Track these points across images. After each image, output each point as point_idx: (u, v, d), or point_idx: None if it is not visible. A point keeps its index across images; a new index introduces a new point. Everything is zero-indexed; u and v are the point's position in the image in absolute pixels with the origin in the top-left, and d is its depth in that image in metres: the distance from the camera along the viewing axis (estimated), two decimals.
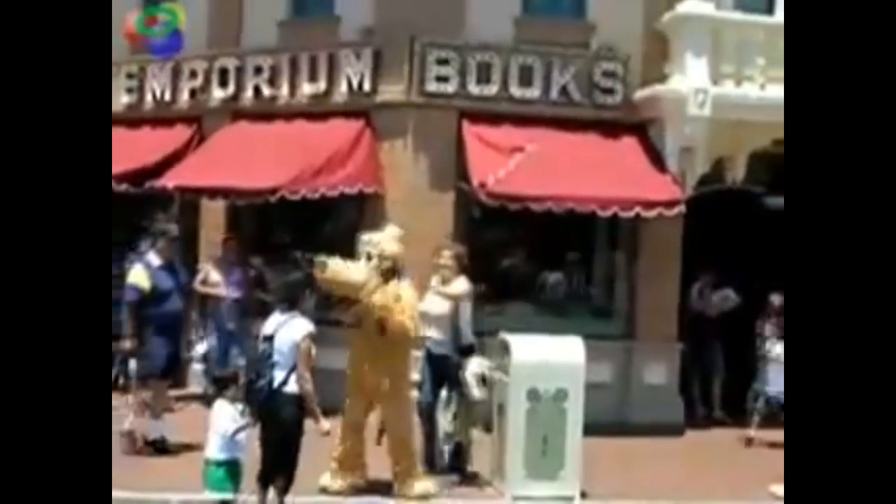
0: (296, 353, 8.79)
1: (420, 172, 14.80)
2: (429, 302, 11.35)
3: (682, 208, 13.82)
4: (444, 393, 11.34)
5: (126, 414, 13.85)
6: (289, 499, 9.04)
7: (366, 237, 10.70)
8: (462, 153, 14.52)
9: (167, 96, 16.80)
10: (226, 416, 8.64)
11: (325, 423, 8.82)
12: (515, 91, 14.79)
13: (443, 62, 14.72)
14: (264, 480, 8.86)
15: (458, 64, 14.73)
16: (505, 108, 14.80)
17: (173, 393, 13.00)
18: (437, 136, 14.74)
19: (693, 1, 14.46)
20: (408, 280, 10.65)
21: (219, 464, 8.63)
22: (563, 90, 14.85)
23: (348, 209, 15.23)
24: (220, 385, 8.91)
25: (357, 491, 10.43)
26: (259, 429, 8.82)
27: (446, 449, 11.32)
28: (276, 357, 8.81)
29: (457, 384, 11.17)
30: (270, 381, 8.76)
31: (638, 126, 14.95)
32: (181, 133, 16.58)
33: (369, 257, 10.33)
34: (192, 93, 16.56)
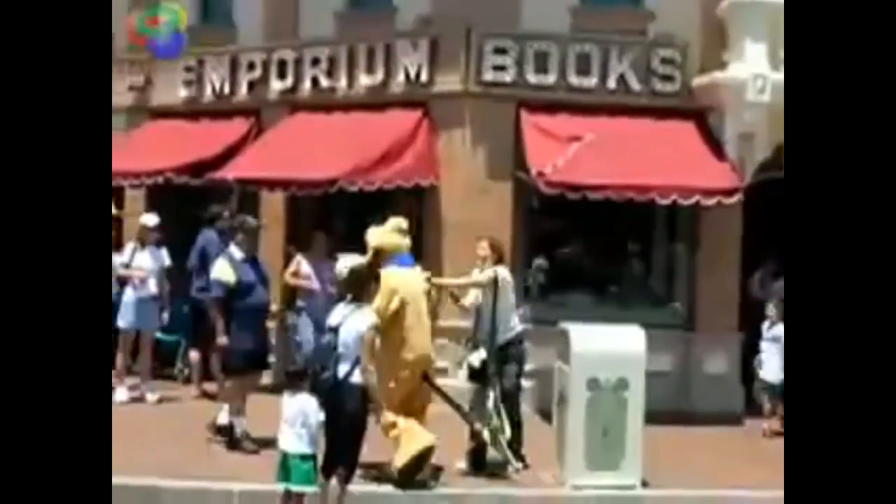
0: (360, 345, 8.81)
1: (478, 163, 14.81)
2: (469, 294, 11.42)
3: (741, 196, 13.73)
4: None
5: (184, 401, 14.15)
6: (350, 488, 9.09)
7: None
8: (520, 143, 14.51)
9: (226, 89, 16.92)
10: (311, 410, 8.68)
11: (389, 415, 8.87)
12: (573, 80, 14.76)
13: (500, 52, 14.72)
14: (327, 471, 8.90)
15: (515, 53, 14.72)
16: (562, 97, 14.77)
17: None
18: (495, 125, 14.73)
19: None
20: (407, 266, 10.68)
21: (304, 457, 8.66)
22: (621, 78, 14.79)
23: (407, 200, 15.26)
24: (294, 379, 8.92)
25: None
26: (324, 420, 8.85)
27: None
28: (340, 349, 8.83)
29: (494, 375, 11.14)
30: (335, 373, 8.79)
31: (696, 113, 14.85)
32: (240, 125, 16.70)
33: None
34: (251, 85, 16.67)
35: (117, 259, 14.32)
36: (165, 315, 14.83)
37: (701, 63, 14.81)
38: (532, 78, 14.72)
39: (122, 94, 18.32)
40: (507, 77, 14.73)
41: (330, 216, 16.12)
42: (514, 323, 11.39)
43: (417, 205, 15.13)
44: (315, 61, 15.94)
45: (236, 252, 11.56)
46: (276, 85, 16.34)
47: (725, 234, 14.72)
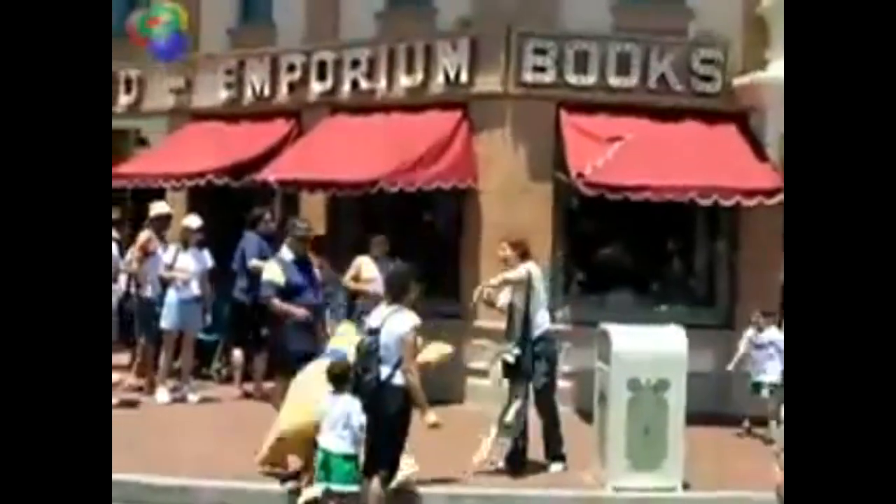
0: (401, 347, 8.82)
1: (517, 163, 14.80)
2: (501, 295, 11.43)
3: (782, 197, 13.64)
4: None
5: (225, 401, 14.21)
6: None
7: None
8: (560, 143, 14.48)
9: (266, 91, 16.98)
10: (354, 411, 8.71)
11: (432, 415, 8.85)
12: (613, 80, 14.71)
13: (540, 52, 14.70)
14: (368, 471, 8.92)
15: (555, 53, 14.69)
16: (602, 98, 14.73)
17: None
18: (535, 126, 14.72)
19: None
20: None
21: (347, 457, 8.68)
22: (662, 78, 14.74)
23: (447, 201, 15.31)
24: (339, 380, 8.94)
25: None
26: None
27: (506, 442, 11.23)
28: (381, 351, 8.84)
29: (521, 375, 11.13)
30: (378, 375, 8.80)
31: (737, 114, 14.78)
32: (280, 127, 16.76)
33: None
34: (291, 87, 16.72)
35: (162, 260, 14.46)
36: (208, 316, 14.95)
37: (742, 63, 14.74)
38: (572, 78, 14.68)
39: (163, 97, 18.47)
40: (547, 78, 14.71)
41: (370, 218, 16.16)
42: (543, 320, 11.36)
43: (457, 206, 15.16)
44: (355, 63, 15.98)
45: (287, 254, 11.68)
46: (317, 87, 16.38)
47: (767, 234, 14.61)
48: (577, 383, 13.37)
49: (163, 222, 14.87)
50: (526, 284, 11.14)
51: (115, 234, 15.08)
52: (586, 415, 12.01)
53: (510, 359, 11.01)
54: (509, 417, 11.01)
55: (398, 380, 8.79)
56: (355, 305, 14.18)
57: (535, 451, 11.31)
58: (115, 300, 14.36)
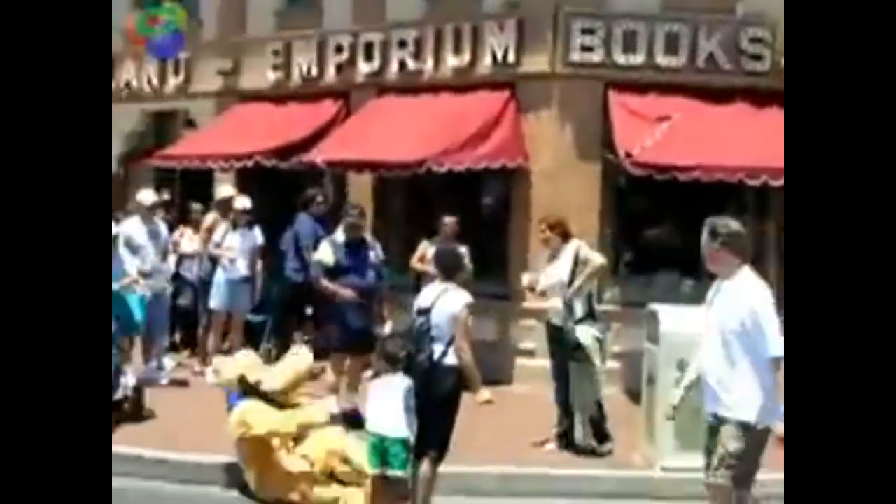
0: (454, 326, 8.82)
1: (565, 144, 14.76)
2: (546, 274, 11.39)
3: None
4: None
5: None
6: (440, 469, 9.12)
7: None
8: (608, 123, 14.43)
9: (313, 72, 17.04)
10: (407, 393, 8.68)
11: (485, 392, 8.79)
12: (661, 59, 14.63)
13: (588, 32, 14.64)
14: (419, 453, 8.89)
15: (603, 33, 14.63)
16: (650, 77, 14.66)
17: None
18: (583, 106, 14.67)
19: None
20: None
21: (399, 441, 8.65)
22: (710, 57, 14.64)
23: (495, 181, 15.31)
24: (392, 360, 8.94)
25: None
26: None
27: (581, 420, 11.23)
28: (433, 331, 8.84)
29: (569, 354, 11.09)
30: (431, 355, 8.79)
31: None
32: (328, 108, 16.82)
33: None
34: (339, 68, 16.76)
35: (213, 239, 14.65)
36: (257, 296, 15.07)
37: None
38: (620, 58, 14.62)
39: (211, 79, 18.60)
40: (595, 57, 14.65)
41: (417, 198, 16.19)
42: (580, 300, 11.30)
43: (505, 186, 15.15)
44: (402, 43, 15.99)
45: (340, 236, 11.79)
46: (364, 67, 16.42)
47: None
48: (625, 364, 13.36)
49: (228, 205, 15.00)
50: (574, 262, 11.11)
51: (164, 215, 15.24)
52: (635, 395, 12.00)
53: (584, 338, 10.95)
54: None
55: (450, 360, 8.77)
56: (420, 287, 14.22)
57: (583, 432, 11.30)
58: (165, 281, 14.48)
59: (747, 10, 14.78)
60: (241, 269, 14.49)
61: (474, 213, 15.54)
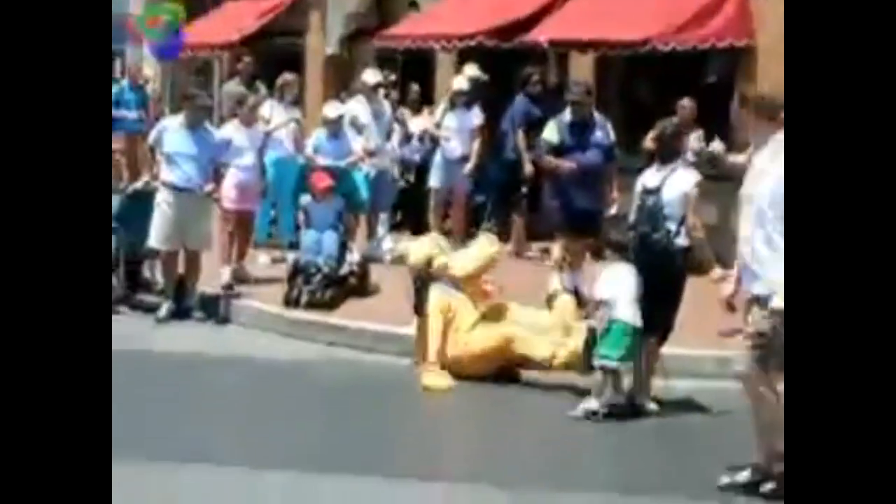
0: (685, 205, 8.70)
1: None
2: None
3: None
4: None
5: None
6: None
7: None
8: None
9: None
10: (634, 280, 8.65)
11: (718, 269, 8.60)
12: None
13: None
14: (644, 332, 8.85)
15: None
16: None
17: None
18: None
19: None
20: None
21: (629, 329, 8.66)
22: None
23: (717, 62, 14.91)
24: (620, 248, 8.89)
25: None
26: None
27: None
28: (665, 210, 8.72)
29: None
30: (668, 233, 8.70)
31: None
32: None
33: None
34: None
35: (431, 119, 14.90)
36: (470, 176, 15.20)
37: None
38: None
39: None
40: None
41: (638, 79, 15.94)
42: None
43: (730, 66, 14.73)
44: None
45: (567, 115, 11.66)
46: None
47: None
48: None
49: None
50: None
51: (387, 93, 15.49)
52: None
53: None
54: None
55: (681, 240, 8.68)
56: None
57: None
58: (388, 160, 14.78)
59: None
60: (456, 148, 14.66)
61: (697, 95, 15.22)
